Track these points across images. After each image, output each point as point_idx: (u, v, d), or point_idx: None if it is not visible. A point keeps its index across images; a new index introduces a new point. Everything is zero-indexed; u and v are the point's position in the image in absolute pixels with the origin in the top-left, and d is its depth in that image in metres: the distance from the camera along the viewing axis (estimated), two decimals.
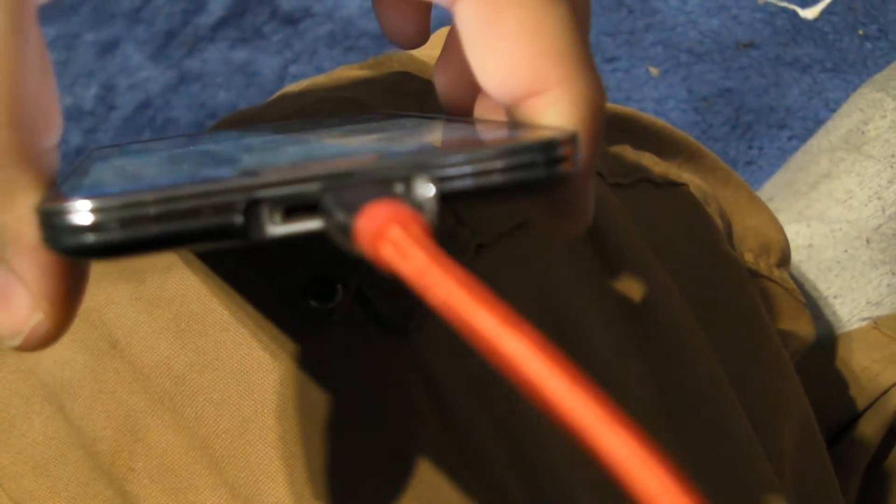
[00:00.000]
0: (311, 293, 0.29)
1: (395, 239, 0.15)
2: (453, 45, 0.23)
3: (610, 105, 0.40)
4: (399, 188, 0.16)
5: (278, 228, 0.16)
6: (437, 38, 0.37)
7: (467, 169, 0.17)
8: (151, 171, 0.19)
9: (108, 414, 0.29)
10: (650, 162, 0.39)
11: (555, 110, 0.18)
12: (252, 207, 0.16)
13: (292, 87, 0.40)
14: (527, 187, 0.17)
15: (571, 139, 0.17)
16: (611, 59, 0.93)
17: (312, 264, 0.30)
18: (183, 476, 0.28)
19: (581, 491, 0.30)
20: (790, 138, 0.84)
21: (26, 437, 0.29)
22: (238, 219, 0.16)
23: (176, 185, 0.16)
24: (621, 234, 0.34)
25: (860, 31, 0.96)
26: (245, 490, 0.27)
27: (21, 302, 0.17)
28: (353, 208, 0.15)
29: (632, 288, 0.34)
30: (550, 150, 0.17)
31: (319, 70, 1.02)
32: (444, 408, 0.29)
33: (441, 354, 0.30)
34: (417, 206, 0.16)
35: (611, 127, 0.39)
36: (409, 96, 0.36)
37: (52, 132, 0.18)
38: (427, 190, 0.16)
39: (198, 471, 0.28)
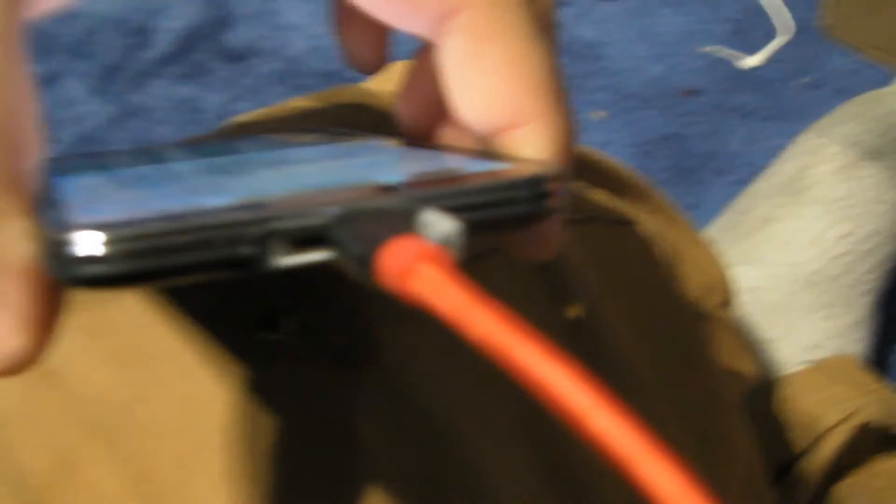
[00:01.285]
0: (256, 324, 0.29)
1: (427, 276, 0.15)
2: (420, 76, 0.23)
3: None
4: (419, 222, 0.16)
5: (288, 260, 0.16)
6: (392, 72, 0.37)
7: (480, 201, 0.17)
8: (145, 196, 0.19)
9: (41, 446, 0.28)
10: (603, 199, 0.39)
11: (532, 143, 0.19)
12: (264, 239, 0.16)
13: (240, 117, 0.40)
14: (528, 219, 0.18)
15: (562, 174, 0.18)
16: None
17: (257, 294, 0.30)
18: None
19: None
20: (732, 183, 0.86)
21: None
22: (249, 250, 0.16)
23: (189, 216, 0.16)
24: (571, 268, 0.34)
25: (804, 80, 0.98)
26: None
27: (4, 324, 0.17)
28: (373, 242, 0.15)
29: (583, 321, 0.34)
30: (547, 183, 0.18)
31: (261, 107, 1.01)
32: (391, 437, 0.29)
33: (394, 386, 0.30)
34: (443, 241, 0.16)
35: None
36: (363, 127, 0.36)
37: (35, 154, 0.18)
38: (451, 225, 0.16)
39: None
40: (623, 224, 0.40)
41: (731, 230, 0.68)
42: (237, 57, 1.01)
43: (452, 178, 0.18)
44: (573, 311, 0.34)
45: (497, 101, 0.19)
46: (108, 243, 0.15)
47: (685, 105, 0.94)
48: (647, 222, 0.42)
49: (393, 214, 0.16)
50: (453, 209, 0.17)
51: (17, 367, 0.17)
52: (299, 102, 0.40)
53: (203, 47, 1.01)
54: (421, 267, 0.15)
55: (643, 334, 0.35)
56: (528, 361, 0.13)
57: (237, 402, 0.28)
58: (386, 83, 0.39)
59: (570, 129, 0.20)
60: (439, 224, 0.16)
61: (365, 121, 0.37)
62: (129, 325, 0.29)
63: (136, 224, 0.15)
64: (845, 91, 0.92)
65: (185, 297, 0.29)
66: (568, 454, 0.31)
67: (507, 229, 0.18)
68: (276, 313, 0.29)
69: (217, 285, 0.29)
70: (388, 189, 0.17)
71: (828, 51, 1.03)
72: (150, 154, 0.27)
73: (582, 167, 0.41)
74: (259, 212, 0.16)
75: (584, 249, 0.36)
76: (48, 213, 0.17)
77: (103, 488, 0.27)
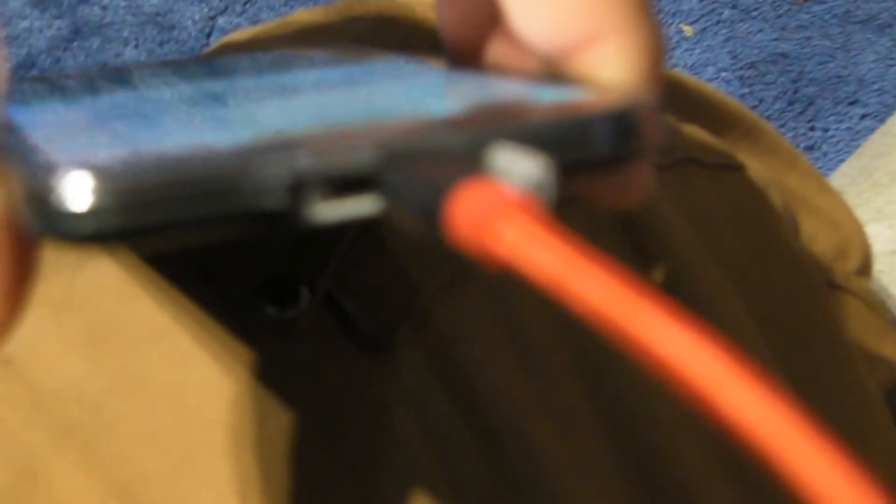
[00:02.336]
0: (266, 297, 0.29)
1: (518, 231, 0.14)
2: None
3: None
4: (494, 163, 0.16)
5: (326, 212, 0.16)
6: None
7: (558, 139, 0.17)
8: (134, 133, 0.19)
9: (1, 453, 0.28)
10: (700, 137, 0.39)
11: (612, 64, 0.19)
12: (296, 187, 0.16)
13: (235, 35, 0.40)
14: (615, 161, 0.18)
15: (653, 105, 0.18)
16: None
17: (267, 260, 0.30)
18: None
19: None
20: (863, 117, 0.85)
21: None
22: (278, 201, 0.16)
23: (200, 158, 0.16)
24: (661, 224, 0.35)
25: None
26: None
27: None
28: (438, 189, 0.15)
29: (675, 291, 0.34)
30: (637, 117, 0.18)
31: (255, 24, 1.01)
32: (429, 426, 0.30)
33: (431, 371, 0.30)
34: (531, 185, 0.15)
35: None
36: (390, 46, 0.36)
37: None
38: (539, 164, 0.15)
39: None
40: (727, 169, 0.40)
41: (863, 178, 0.68)
42: None
43: (519, 110, 0.18)
44: (659, 275, 0.34)
45: (566, 13, 0.19)
46: (103, 191, 0.15)
47: (801, 16, 0.93)
48: (758, 167, 0.42)
49: (457, 154, 0.16)
50: (542, 144, 0.17)
51: None
52: (304, 16, 0.40)
53: None
54: (508, 218, 0.14)
55: (754, 306, 0.35)
56: (659, 338, 0.13)
57: (243, 393, 0.28)
58: None
59: (658, 45, 0.20)
60: (522, 164, 0.16)
61: (391, 36, 0.37)
62: (106, 299, 0.29)
63: (138, 168, 0.15)
64: None
65: (176, 263, 0.30)
66: (643, 438, 0.32)
67: (588, 174, 0.18)
68: (291, 283, 0.29)
69: (218, 247, 0.30)
70: (444, 123, 0.17)
71: None
72: (120, 77, 0.27)
73: (672, 97, 0.41)
74: (287, 152, 0.16)
75: (676, 200, 0.36)
76: (21, 154, 0.17)
77: (77, 499, 0.28)
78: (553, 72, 0.20)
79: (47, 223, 0.15)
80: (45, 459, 0.28)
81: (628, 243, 0.35)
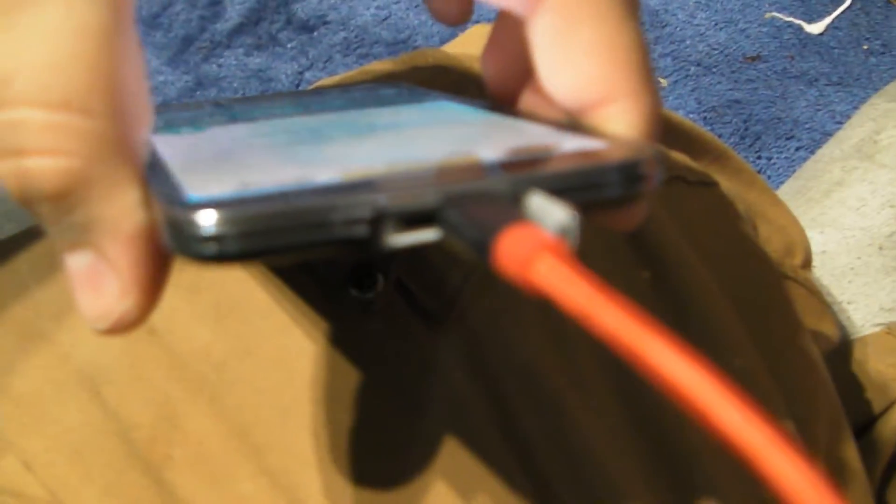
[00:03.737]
0: (351, 282, 0.29)
1: (550, 268, 0.14)
2: (505, 36, 0.23)
3: None
4: (530, 208, 0.16)
5: (399, 239, 0.16)
6: (468, 36, 0.36)
7: (580, 184, 0.17)
8: (253, 165, 0.19)
9: (145, 401, 0.28)
10: (682, 160, 0.38)
11: (623, 120, 0.19)
12: (377, 220, 0.16)
13: (325, 81, 0.39)
14: (624, 202, 0.17)
15: (657, 156, 0.18)
16: None
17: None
18: (221, 464, 0.27)
19: (626, 483, 0.29)
20: (798, 149, 0.84)
21: (60, 424, 0.28)
22: (363, 231, 0.16)
23: (304, 195, 0.16)
24: (660, 231, 0.34)
25: (865, 46, 0.95)
26: (286, 479, 0.27)
27: (112, 288, 0.17)
28: (489, 229, 0.15)
29: (667, 279, 0.33)
30: (644, 166, 0.17)
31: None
32: (490, 391, 0.29)
33: (487, 342, 0.29)
34: (560, 230, 0.15)
35: None
36: (446, 89, 0.35)
37: (146, 125, 0.18)
38: (567, 214, 0.15)
39: (237, 459, 0.27)
40: (705, 185, 0.39)
41: (800, 195, 0.67)
42: (305, 27, 1.00)
43: (549, 156, 0.18)
44: (656, 266, 0.34)
45: (588, 79, 0.19)
46: (227, 223, 0.15)
47: (749, 71, 0.91)
48: (726, 184, 0.41)
49: (501, 197, 0.16)
50: (557, 192, 0.16)
51: (125, 327, 0.18)
52: (378, 66, 0.39)
53: (272, 18, 1.01)
54: (542, 258, 0.14)
55: (729, 291, 0.35)
56: (656, 357, 0.13)
57: (333, 358, 0.28)
58: (464, 47, 0.38)
59: (657, 106, 0.20)
60: (554, 212, 0.15)
61: (445, 82, 0.36)
62: (226, 283, 0.29)
63: (254, 204, 0.15)
64: None
65: None
66: (666, 429, 0.31)
67: (604, 211, 0.18)
68: (370, 271, 0.29)
69: None
70: (491, 168, 0.17)
71: (890, 17, 1.00)
72: (236, 108, 0.27)
73: (661, 129, 0.40)
74: (371, 192, 0.16)
75: (667, 208, 0.36)
76: (162, 185, 0.17)
77: (206, 441, 0.27)
78: (574, 121, 0.20)
79: (180, 246, 0.16)
80: (180, 407, 0.28)
81: (631, 241, 0.34)
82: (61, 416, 0.28)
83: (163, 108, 0.27)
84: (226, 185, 0.16)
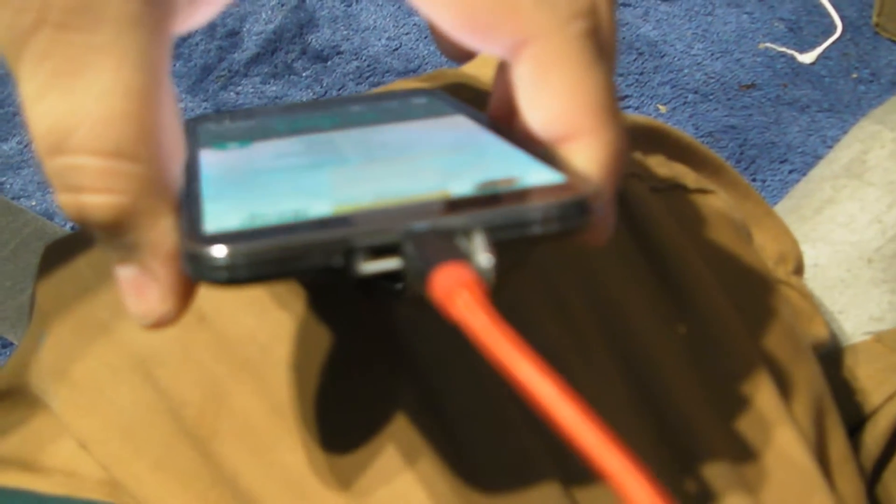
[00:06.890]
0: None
1: (465, 301, 0.17)
2: (502, 72, 0.25)
3: (645, 119, 0.42)
4: (465, 247, 0.19)
5: (366, 267, 0.19)
6: (485, 59, 0.38)
7: (530, 219, 0.19)
8: (262, 194, 0.21)
9: (194, 381, 0.29)
10: (682, 172, 0.40)
11: (585, 154, 0.22)
12: (349, 252, 0.19)
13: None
14: (572, 233, 0.20)
15: (597, 193, 0.20)
16: (622, 98, 0.95)
17: None
18: (265, 436, 0.28)
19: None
20: (791, 171, 0.86)
21: (115, 405, 0.29)
22: (339, 260, 0.19)
23: (296, 231, 0.19)
24: (663, 231, 0.35)
25: (854, 75, 0.97)
26: (321, 454, 0.28)
27: (153, 295, 0.21)
28: (430, 263, 0.18)
29: (675, 279, 0.35)
30: (588, 203, 0.20)
31: None
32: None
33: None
34: (481, 272, 0.18)
35: (646, 139, 0.41)
36: (467, 103, 0.37)
37: (179, 159, 0.21)
38: (489, 260, 0.18)
39: (278, 433, 0.28)
40: (704, 193, 0.41)
41: (793, 212, 0.68)
42: (320, 57, 1.02)
43: (508, 194, 0.20)
44: (660, 265, 0.35)
45: (554, 117, 0.22)
46: (234, 257, 0.18)
47: (744, 99, 0.94)
48: (724, 195, 0.42)
49: (452, 234, 0.19)
50: (505, 229, 0.19)
51: (164, 324, 0.21)
52: (400, 84, 0.41)
53: (289, 49, 1.03)
54: (460, 293, 0.17)
55: (727, 288, 0.36)
56: (525, 376, 0.17)
57: (364, 346, 0.29)
58: (483, 67, 0.40)
59: (620, 140, 0.22)
60: (482, 257, 0.18)
61: (467, 97, 0.38)
62: None
63: (254, 240, 0.18)
64: None
65: None
66: (666, 407, 0.32)
67: (556, 238, 0.20)
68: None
69: None
70: (453, 205, 0.20)
71: (878, 47, 1.02)
72: (284, 119, 0.28)
73: (663, 142, 0.42)
74: (347, 227, 0.19)
75: (671, 213, 0.37)
76: (187, 216, 0.20)
77: (251, 416, 0.29)
78: (549, 150, 0.22)
79: (196, 273, 0.19)
80: (227, 386, 0.29)
81: (640, 245, 0.36)
82: (115, 398, 0.30)
83: (224, 115, 0.30)
84: (238, 216, 0.19)
